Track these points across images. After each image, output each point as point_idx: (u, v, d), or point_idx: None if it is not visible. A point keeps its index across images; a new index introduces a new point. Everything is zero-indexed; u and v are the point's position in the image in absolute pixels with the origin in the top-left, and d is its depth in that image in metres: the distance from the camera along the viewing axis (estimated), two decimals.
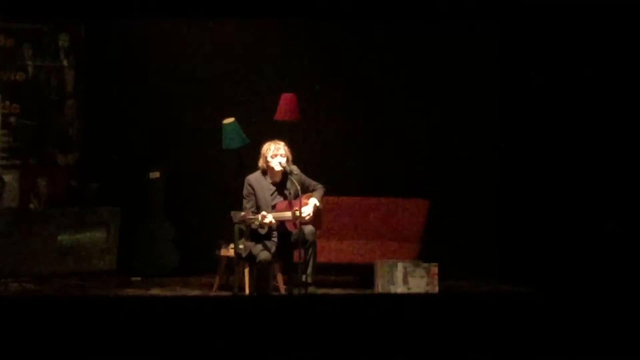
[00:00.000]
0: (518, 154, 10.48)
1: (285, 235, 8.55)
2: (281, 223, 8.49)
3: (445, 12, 9.65)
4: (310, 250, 8.44)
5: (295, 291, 8.54)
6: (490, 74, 10.70)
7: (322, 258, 9.09)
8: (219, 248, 9.49)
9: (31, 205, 10.57)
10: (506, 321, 6.14)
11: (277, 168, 8.50)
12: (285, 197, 8.58)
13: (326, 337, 5.85)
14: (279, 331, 5.86)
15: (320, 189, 8.69)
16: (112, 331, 5.80)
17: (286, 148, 8.55)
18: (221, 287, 9.57)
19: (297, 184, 8.35)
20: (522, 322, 6.12)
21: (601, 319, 6.09)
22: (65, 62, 10.93)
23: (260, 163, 8.59)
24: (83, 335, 5.76)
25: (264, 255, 8.42)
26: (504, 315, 6.25)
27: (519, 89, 10.43)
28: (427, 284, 9.37)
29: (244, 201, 8.58)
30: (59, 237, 10.31)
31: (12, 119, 10.66)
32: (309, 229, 8.43)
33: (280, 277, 9.24)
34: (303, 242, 8.34)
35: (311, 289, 8.42)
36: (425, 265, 9.43)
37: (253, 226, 8.43)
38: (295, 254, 8.50)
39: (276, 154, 8.50)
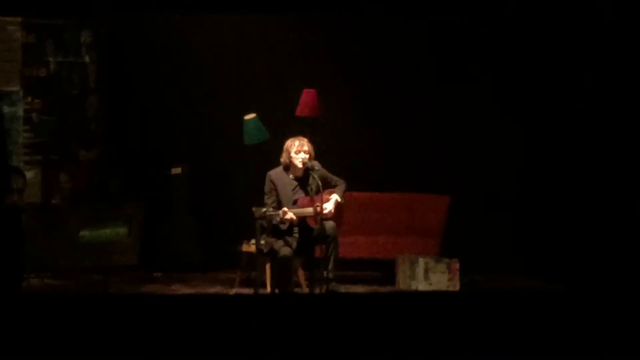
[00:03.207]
0: (540, 148, 10.47)
1: (307, 231, 8.54)
2: (302, 219, 8.49)
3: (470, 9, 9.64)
4: (332, 245, 8.42)
5: (317, 287, 8.55)
6: (512, 69, 10.67)
7: (343, 253, 9.07)
8: (241, 244, 9.50)
9: (53, 201, 10.60)
10: (528, 317, 6.14)
11: (300, 165, 8.49)
12: (306, 193, 8.57)
13: (346, 334, 5.85)
14: (299, 329, 5.86)
15: (341, 185, 8.68)
16: (131, 328, 5.82)
17: (310, 145, 8.55)
18: (243, 283, 9.58)
19: (318, 179, 8.35)
20: (544, 317, 6.11)
21: (625, 315, 6.07)
22: (87, 58, 10.96)
23: (283, 158, 8.59)
24: (100, 332, 5.79)
25: (285, 250, 8.41)
26: (526, 311, 6.24)
27: (541, 82, 10.42)
28: (449, 280, 9.38)
29: (265, 197, 8.57)
30: (81, 232, 10.34)
31: (34, 115, 10.71)
32: (330, 224, 8.42)
33: (301, 273, 9.24)
34: (324, 237, 8.33)
35: (332, 285, 8.40)
36: (447, 260, 9.44)
37: (274, 222, 8.43)
38: (317, 249, 8.50)
39: (300, 150, 8.49)
